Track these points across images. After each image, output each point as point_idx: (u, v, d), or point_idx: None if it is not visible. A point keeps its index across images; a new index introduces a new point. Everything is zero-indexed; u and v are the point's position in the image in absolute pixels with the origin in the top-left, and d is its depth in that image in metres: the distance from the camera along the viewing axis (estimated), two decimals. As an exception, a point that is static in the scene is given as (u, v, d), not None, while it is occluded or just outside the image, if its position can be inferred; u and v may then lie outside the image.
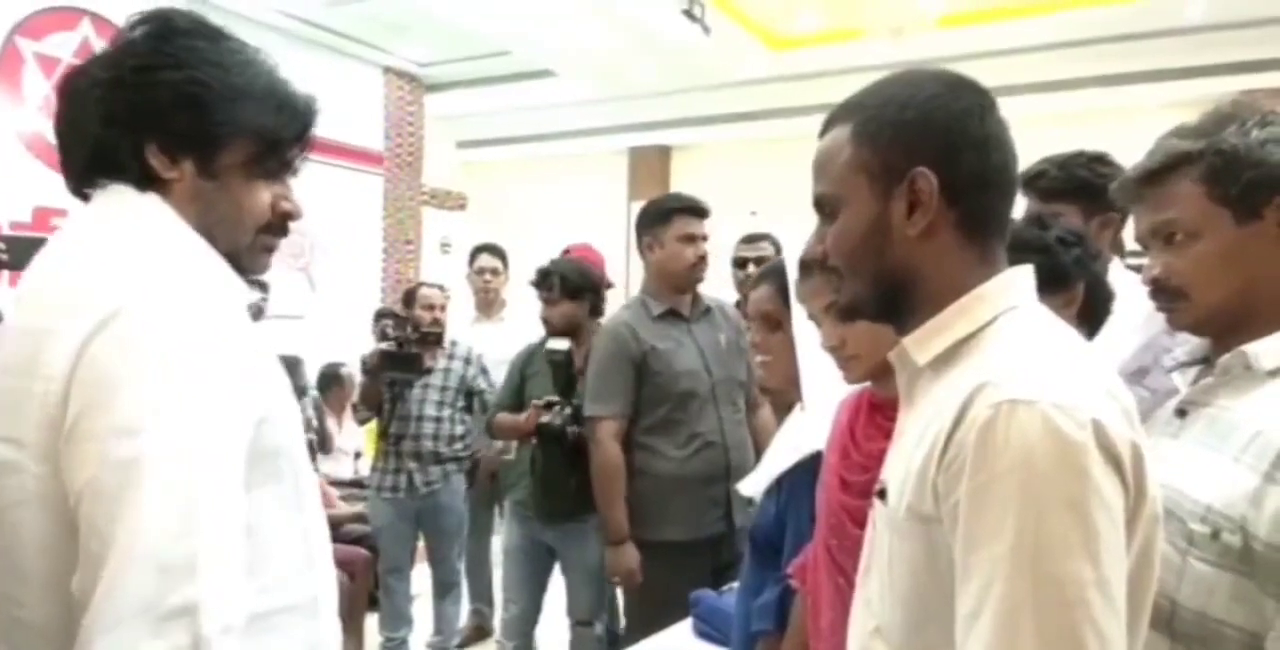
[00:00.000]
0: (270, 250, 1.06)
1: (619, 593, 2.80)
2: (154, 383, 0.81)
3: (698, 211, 2.58)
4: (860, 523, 1.01)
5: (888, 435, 0.97)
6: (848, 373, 1.25)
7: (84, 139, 0.96)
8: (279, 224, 1.05)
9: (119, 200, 0.96)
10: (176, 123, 0.94)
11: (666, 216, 2.56)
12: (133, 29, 0.98)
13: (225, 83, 0.96)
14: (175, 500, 0.79)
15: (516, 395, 2.94)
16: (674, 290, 2.60)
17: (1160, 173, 1.04)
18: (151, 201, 0.95)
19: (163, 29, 0.97)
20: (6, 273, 3.95)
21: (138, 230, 0.93)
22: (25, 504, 0.84)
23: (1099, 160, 1.80)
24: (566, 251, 3.65)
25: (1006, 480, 0.71)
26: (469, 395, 3.45)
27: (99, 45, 4.70)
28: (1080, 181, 1.75)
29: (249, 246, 1.02)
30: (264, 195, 1.02)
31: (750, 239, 3.35)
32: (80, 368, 0.81)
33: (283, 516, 0.95)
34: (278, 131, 1.01)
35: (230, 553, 0.83)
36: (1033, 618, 0.68)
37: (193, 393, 0.82)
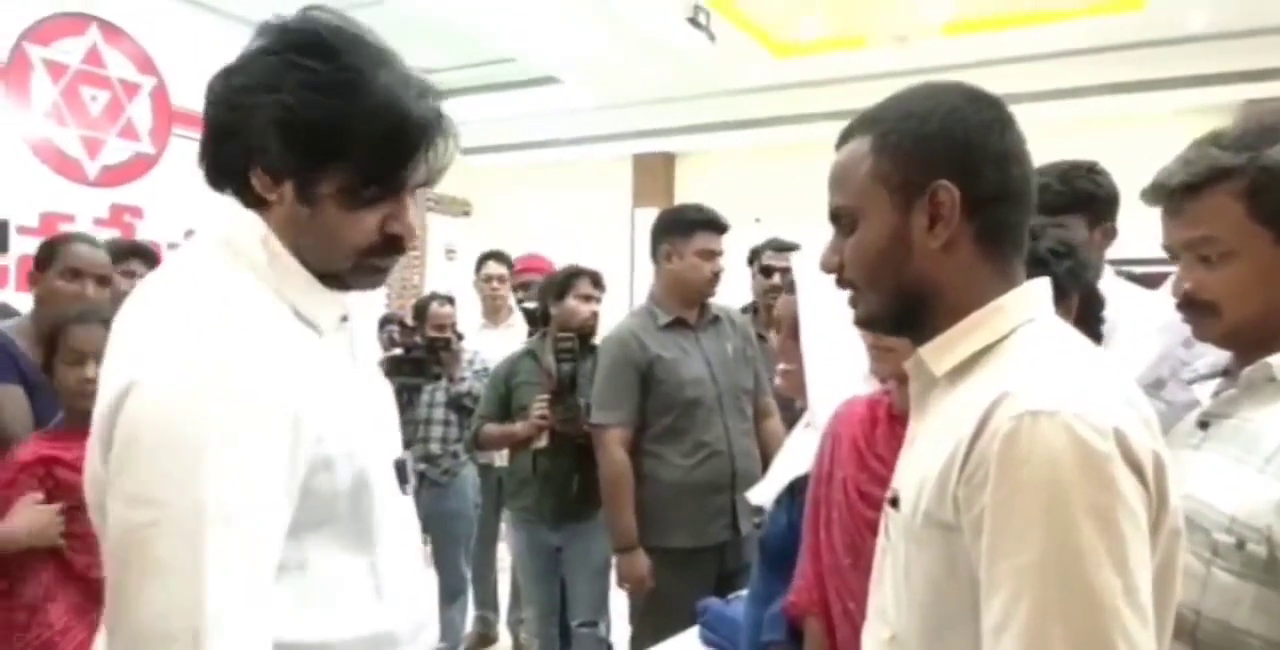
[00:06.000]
0: (379, 270, 1.00)
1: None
2: (170, 454, 0.80)
3: (719, 227, 2.58)
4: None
5: None
6: (880, 365, 1.21)
7: (204, 150, 0.96)
8: (386, 247, 0.97)
9: (219, 220, 0.97)
10: (271, 148, 0.90)
11: (689, 229, 2.54)
12: (257, 38, 0.93)
13: (319, 109, 0.88)
14: (180, 572, 0.79)
15: (503, 406, 2.93)
16: (684, 302, 2.60)
17: (1198, 186, 1.01)
18: (249, 222, 0.94)
19: (274, 43, 0.91)
20: (11, 277, 3.98)
21: (211, 267, 0.92)
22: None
23: (1094, 170, 1.80)
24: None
25: (1032, 491, 0.71)
26: (460, 407, 3.44)
27: (107, 51, 4.72)
28: (1085, 193, 1.76)
29: (350, 269, 0.98)
30: (367, 222, 0.95)
31: (781, 248, 3.35)
32: (114, 434, 0.83)
33: (342, 555, 0.94)
34: (379, 160, 0.92)
35: (249, 610, 0.82)
36: (1063, 628, 0.68)
37: (215, 460, 0.80)
